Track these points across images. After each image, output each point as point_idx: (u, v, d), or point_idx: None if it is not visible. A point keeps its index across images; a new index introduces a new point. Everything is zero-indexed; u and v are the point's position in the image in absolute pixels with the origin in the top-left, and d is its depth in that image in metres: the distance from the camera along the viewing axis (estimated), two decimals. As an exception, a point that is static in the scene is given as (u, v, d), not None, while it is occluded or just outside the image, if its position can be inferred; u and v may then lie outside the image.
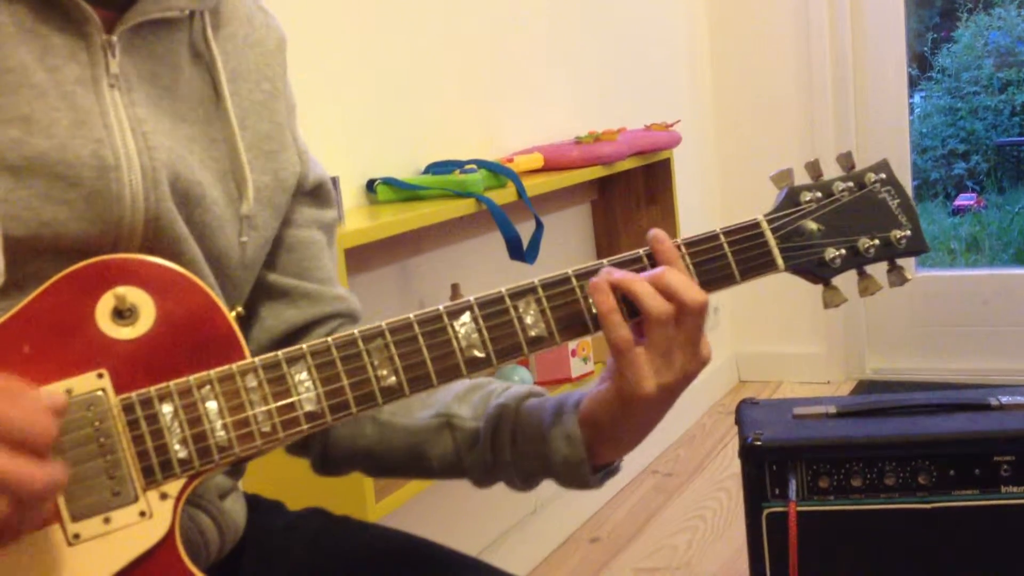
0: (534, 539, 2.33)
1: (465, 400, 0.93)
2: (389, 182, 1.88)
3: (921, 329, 3.27)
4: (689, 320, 0.82)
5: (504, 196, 1.90)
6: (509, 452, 0.91)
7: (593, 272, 0.84)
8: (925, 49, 4.82)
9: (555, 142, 2.34)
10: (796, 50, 3.25)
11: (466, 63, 2.21)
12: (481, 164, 1.94)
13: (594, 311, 0.83)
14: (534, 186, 2.00)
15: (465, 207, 1.82)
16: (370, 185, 1.90)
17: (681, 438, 2.99)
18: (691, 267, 0.86)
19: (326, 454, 0.97)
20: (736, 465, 1.71)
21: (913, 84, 3.38)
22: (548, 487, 0.94)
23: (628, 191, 2.63)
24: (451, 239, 2.09)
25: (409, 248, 1.98)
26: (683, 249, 0.86)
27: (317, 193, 0.99)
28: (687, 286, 0.82)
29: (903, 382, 3.22)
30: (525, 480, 0.92)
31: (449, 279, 2.00)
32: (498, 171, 1.95)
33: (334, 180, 1.63)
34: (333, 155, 1.80)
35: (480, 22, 2.26)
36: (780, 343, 3.39)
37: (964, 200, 4.79)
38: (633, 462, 2.75)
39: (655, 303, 0.81)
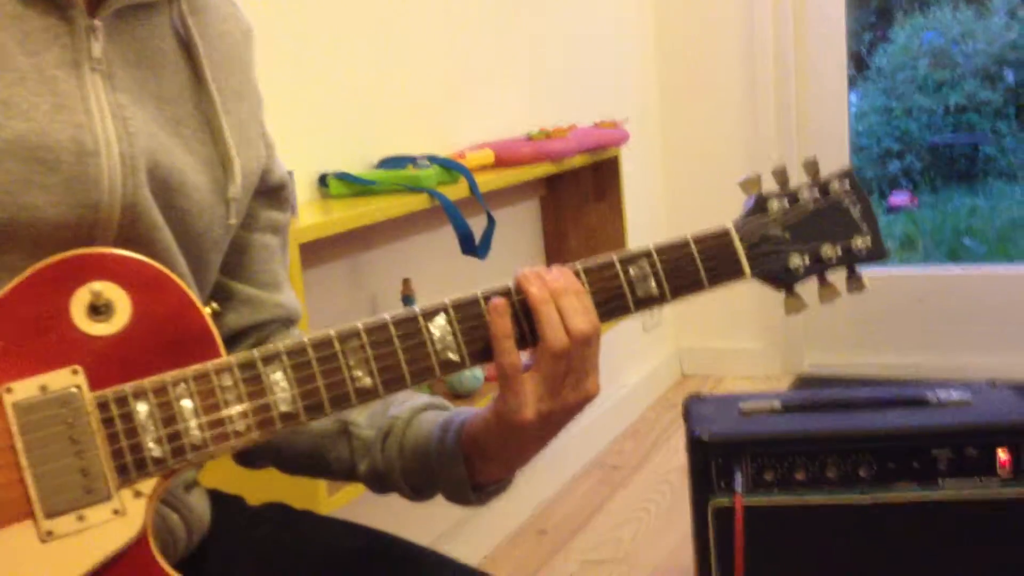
0: (482, 531, 2.35)
1: (367, 407, 0.95)
2: (341, 176, 1.88)
3: (858, 325, 3.34)
4: (580, 351, 0.83)
5: (456, 192, 1.91)
6: (397, 464, 0.93)
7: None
8: (862, 48, 4.91)
9: (506, 138, 2.35)
10: (740, 49, 3.30)
11: (418, 59, 2.21)
12: (434, 160, 1.95)
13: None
14: (485, 182, 2.01)
15: (418, 202, 1.83)
16: (322, 179, 1.90)
17: (626, 431, 3.02)
18: (661, 273, 0.87)
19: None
20: (679, 458, 1.75)
21: (850, 83, 3.45)
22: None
23: (576, 188, 2.65)
24: (403, 234, 2.09)
25: (361, 242, 1.98)
26: (655, 255, 0.87)
27: (278, 194, 0.99)
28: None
29: (840, 377, 3.29)
30: (416, 491, 0.95)
31: (401, 274, 2.01)
32: (450, 167, 1.96)
33: (288, 175, 1.63)
34: (286, 149, 1.78)
35: (432, 18, 2.27)
36: (722, 338, 3.45)
37: (898, 198, 4.90)
38: (579, 455, 2.78)
39: (556, 334, 0.82)
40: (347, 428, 0.95)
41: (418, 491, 0.94)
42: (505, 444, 0.87)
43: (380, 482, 0.95)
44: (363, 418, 0.95)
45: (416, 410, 0.94)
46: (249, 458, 1.00)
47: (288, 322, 1.00)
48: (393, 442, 0.93)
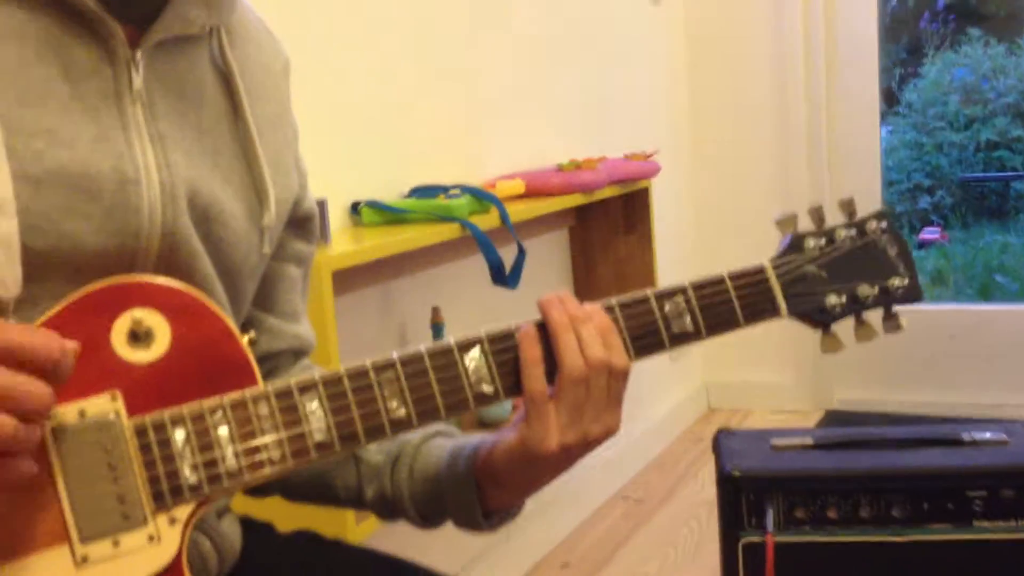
0: (506, 563, 2.34)
1: None
2: (374, 205, 1.89)
3: (888, 362, 3.31)
4: (599, 380, 0.83)
5: (487, 221, 1.92)
6: (407, 489, 0.93)
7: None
8: (892, 84, 4.90)
9: (536, 169, 2.36)
10: (771, 83, 3.30)
11: (450, 89, 2.23)
12: (465, 189, 1.96)
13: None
14: (515, 212, 2.02)
15: (449, 232, 1.84)
16: (355, 207, 1.91)
17: (651, 464, 3.00)
18: (697, 309, 0.87)
19: None
20: (706, 492, 1.73)
21: (881, 118, 3.45)
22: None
23: (606, 218, 2.65)
24: (433, 262, 2.10)
25: (392, 270, 1.99)
26: (690, 291, 0.87)
27: (306, 226, 1.00)
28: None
29: (870, 413, 3.26)
30: (424, 518, 0.94)
31: (431, 302, 2.01)
32: (482, 197, 1.97)
33: (322, 203, 1.64)
34: (319, 177, 1.80)
35: (465, 50, 2.28)
36: (750, 372, 3.43)
37: (929, 234, 4.87)
38: (604, 487, 2.76)
39: (574, 360, 0.82)
40: (355, 453, 0.95)
41: (426, 517, 0.94)
42: (522, 472, 0.87)
43: (388, 508, 0.95)
44: (372, 444, 0.94)
45: (427, 436, 0.95)
46: (256, 487, 1.00)
47: (300, 353, 1.01)
48: (403, 467, 0.93)
